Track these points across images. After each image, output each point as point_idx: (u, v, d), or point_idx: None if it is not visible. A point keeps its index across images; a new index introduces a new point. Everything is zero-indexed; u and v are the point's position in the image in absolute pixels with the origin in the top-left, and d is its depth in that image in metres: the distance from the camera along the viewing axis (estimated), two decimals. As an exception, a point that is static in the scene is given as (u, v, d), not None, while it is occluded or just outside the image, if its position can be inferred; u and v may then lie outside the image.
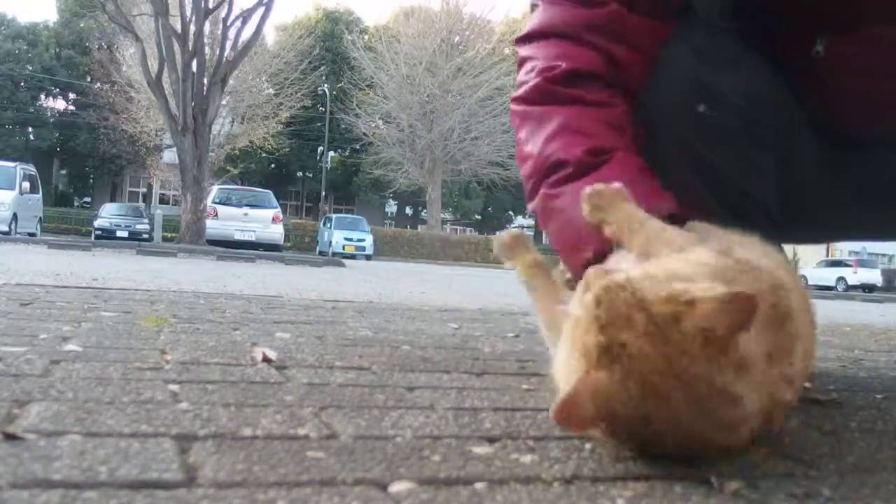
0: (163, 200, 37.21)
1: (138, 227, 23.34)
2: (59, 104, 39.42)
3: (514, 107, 1.17)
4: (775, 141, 1.14)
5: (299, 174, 40.31)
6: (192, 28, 15.56)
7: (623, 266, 0.78)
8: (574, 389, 0.67)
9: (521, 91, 1.16)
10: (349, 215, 31.30)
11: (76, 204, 39.40)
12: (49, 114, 38.60)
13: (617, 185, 0.90)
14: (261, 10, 16.14)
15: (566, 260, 1.06)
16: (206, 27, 17.18)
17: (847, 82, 1.15)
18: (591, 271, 0.73)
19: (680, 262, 0.74)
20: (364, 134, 31.41)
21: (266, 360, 1.19)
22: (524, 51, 1.18)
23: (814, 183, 1.22)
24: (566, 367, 0.76)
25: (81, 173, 40.29)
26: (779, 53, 1.16)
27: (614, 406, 0.66)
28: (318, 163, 39.41)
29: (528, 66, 1.16)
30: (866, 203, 1.25)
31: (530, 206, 1.13)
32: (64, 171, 39.80)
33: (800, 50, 1.15)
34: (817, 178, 1.22)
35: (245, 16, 16.57)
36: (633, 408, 0.66)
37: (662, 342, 0.64)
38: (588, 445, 0.77)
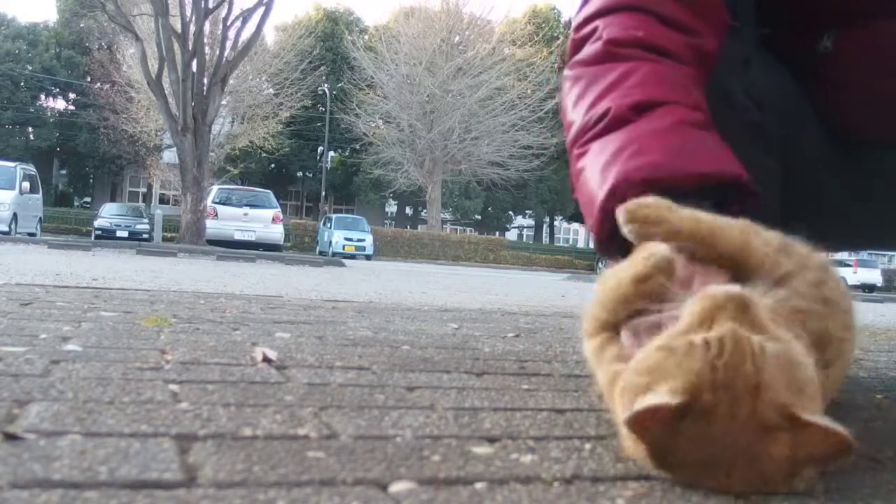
0: (163, 200, 37.20)
1: (138, 227, 23.33)
2: (59, 104, 39.44)
3: (566, 72, 1.06)
4: (782, 142, 1.14)
5: (299, 174, 40.31)
6: (192, 28, 15.57)
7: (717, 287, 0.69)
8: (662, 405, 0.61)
9: (579, 56, 1.05)
10: (349, 215, 31.31)
11: (76, 204, 39.39)
12: (49, 114, 38.60)
13: (652, 200, 0.80)
14: (261, 10, 16.17)
15: (590, 228, 0.95)
16: (206, 27, 17.19)
17: (855, 79, 1.14)
18: (730, 297, 0.65)
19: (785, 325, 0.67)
20: (364, 134, 31.40)
21: (266, 360, 1.19)
22: (588, 27, 1.06)
23: (821, 186, 1.21)
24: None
25: (81, 173, 40.28)
26: (786, 50, 1.16)
27: (679, 442, 0.63)
28: (318, 163, 39.41)
29: (593, 36, 1.04)
30: (874, 208, 1.25)
31: (573, 194, 1.01)
32: (64, 171, 39.80)
33: (807, 46, 1.15)
34: (824, 180, 1.21)
35: (245, 16, 16.60)
36: (692, 454, 0.63)
37: (747, 440, 0.61)
38: (588, 445, 0.77)
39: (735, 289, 0.67)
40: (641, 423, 0.62)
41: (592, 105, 0.96)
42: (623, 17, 1.02)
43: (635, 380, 0.65)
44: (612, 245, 0.88)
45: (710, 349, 0.62)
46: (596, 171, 0.90)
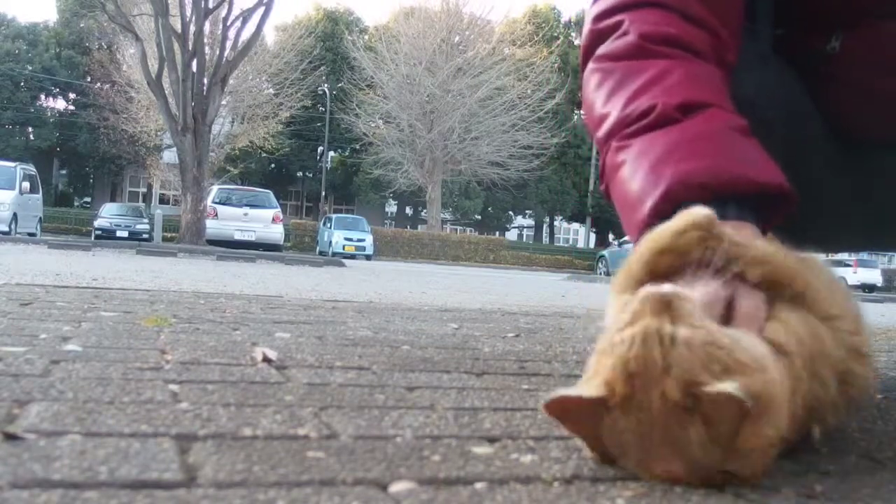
0: (163, 200, 37.21)
1: (138, 227, 23.34)
2: (59, 104, 39.47)
3: (594, 65, 1.03)
4: (788, 142, 1.13)
5: (299, 174, 40.32)
6: (192, 28, 15.56)
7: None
8: (583, 397, 0.66)
9: (606, 49, 1.01)
10: (349, 215, 31.30)
11: (76, 204, 39.41)
12: (49, 114, 38.61)
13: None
14: (261, 10, 16.16)
15: (624, 222, 0.93)
16: (206, 27, 17.19)
17: (862, 80, 1.14)
18: (654, 296, 0.67)
19: (789, 338, 0.71)
20: (364, 134, 31.41)
21: (266, 360, 1.19)
22: (611, 19, 1.03)
23: (827, 187, 1.21)
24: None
25: (81, 173, 40.29)
26: (793, 50, 1.16)
27: (613, 434, 0.67)
28: (318, 163, 39.42)
29: (619, 30, 1.01)
30: (877, 208, 1.25)
31: (602, 184, 1.00)
32: (64, 171, 39.81)
33: (814, 46, 1.15)
34: (828, 180, 1.21)
35: (245, 16, 16.59)
36: (620, 446, 0.66)
37: (665, 421, 0.64)
38: (588, 445, 0.77)
39: (664, 288, 0.69)
40: (552, 412, 0.67)
41: (632, 99, 0.94)
42: (648, 13, 1.00)
43: (586, 383, 0.69)
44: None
45: (624, 344, 0.66)
46: (643, 168, 0.88)
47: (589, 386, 0.67)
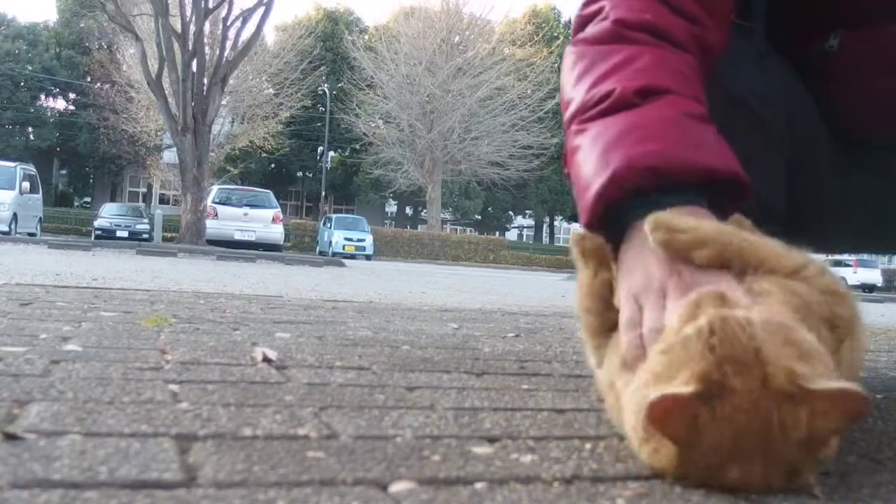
0: (163, 200, 37.22)
1: (138, 227, 23.34)
2: (59, 104, 39.46)
3: (570, 48, 1.04)
4: (788, 143, 1.13)
5: (299, 174, 40.32)
6: (192, 28, 15.57)
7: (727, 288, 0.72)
8: (680, 395, 0.62)
9: (585, 33, 1.03)
10: (349, 215, 31.31)
11: (76, 204, 39.41)
12: (49, 114, 38.61)
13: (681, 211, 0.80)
14: (261, 10, 16.17)
15: (578, 207, 0.93)
16: (206, 27, 17.20)
17: (860, 79, 1.14)
18: (706, 293, 0.68)
19: (783, 305, 0.70)
20: (364, 134, 31.42)
21: (266, 360, 1.19)
22: (594, 6, 1.04)
23: (826, 187, 1.21)
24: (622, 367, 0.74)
25: (81, 173, 40.29)
26: (791, 49, 1.16)
27: (698, 436, 0.63)
28: (318, 163, 39.42)
29: (600, 16, 1.02)
30: (877, 209, 1.24)
31: (565, 169, 0.99)
32: (64, 171, 39.81)
33: (813, 46, 1.15)
34: (830, 182, 1.21)
35: (245, 16, 16.60)
36: (712, 448, 0.63)
37: (768, 409, 0.62)
38: (588, 445, 0.77)
39: (710, 288, 0.69)
40: (660, 413, 0.62)
41: (595, 84, 0.94)
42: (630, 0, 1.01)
43: (645, 392, 0.65)
44: (601, 230, 0.87)
45: (702, 333, 0.64)
46: (595, 152, 0.88)
47: (674, 385, 0.63)
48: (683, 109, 0.89)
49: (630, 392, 0.71)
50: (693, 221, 0.78)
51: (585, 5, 1.06)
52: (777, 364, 0.62)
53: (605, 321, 0.86)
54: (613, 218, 0.85)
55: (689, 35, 0.98)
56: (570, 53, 1.03)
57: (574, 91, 0.98)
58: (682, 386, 0.62)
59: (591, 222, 0.87)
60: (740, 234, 0.79)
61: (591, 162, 0.88)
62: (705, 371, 0.62)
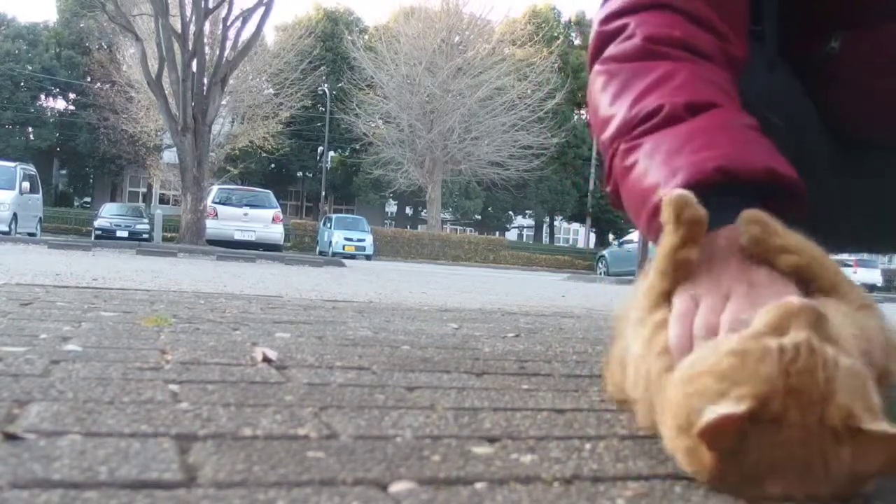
0: (163, 200, 37.23)
1: (138, 227, 23.35)
2: (59, 104, 39.48)
3: (599, 67, 1.03)
4: (789, 144, 1.13)
5: (299, 174, 40.33)
6: (192, 28, 15.56)
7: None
8: (734, 415, 0.60)
9: (612, 51, 1.02)
10: (349, 215, 31.32)
11: (76, 204, 39.42)
12: (49, 114, 38.62)
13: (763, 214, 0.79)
14: (261, 10, 16.16)
15: (636, 221, 0.93)
16: (206, 27, 17.19)
17: (862, 81, 1.14)
18: (806, 306, 0.65)
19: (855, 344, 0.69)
20: (364, 134, 31.42)
21: (266, 360, 1.19)
22: (618, 22, 1.03)
23: (824, 188, 1.21)
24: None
25: (81, 173, 40.30)
26: (793, 51, 1.16)
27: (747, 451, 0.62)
28: (318, 163, 39.42)
29: (624, 33, 1.01)
30: (878, 210, 1.25)
31: (609, 186, 0.98)
32: (64, 171, 39.81)
33: (815, 47, 1.15)
34: (830, 182, 1.21)
35: (245, 16, 16.59)
36: (753, 463, 0.62)
37: (817, 444, 0.61)
38: (588, 445, 0.77)
39: (812, 301, 0.67)
40: (714, 433, 0.61)
41: (637, 100, 0.94)
42: (655, 16, 1.01)
43: (707, 384, 0.64)
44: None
45: (784, 354, 0.61)
46: (656, 162, 0.88)
47: (733, 396, 0.62)
48: (735, 119, 0.90)
49: (676, 382, 0.68)
50: (783, 227, 0.79)
51: (605, 22, 1.05)
52: (839, 409, 0.60)
53: (669, 293, 0.83)
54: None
55: (718, 49, 0.99)
56: (600, 73, 1.02)
57: (613, 108, 0.97)
58: (739, 402, 0.61)
59: (648, 236, 0.88)
60: (822, 251, 0.79)
61: (654, 172, 0.88)
62: (768, 396, 0.61)
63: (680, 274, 0.81)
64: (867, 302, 0.77)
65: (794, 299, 0.66)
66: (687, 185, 0.83)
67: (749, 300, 0.74)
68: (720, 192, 0.82)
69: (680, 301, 0.79)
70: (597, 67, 1.04)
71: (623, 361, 0.87)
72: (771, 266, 0.78)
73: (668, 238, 0.80)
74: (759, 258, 0.79)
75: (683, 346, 0.75)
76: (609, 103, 0.98)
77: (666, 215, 0.80)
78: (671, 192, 0.80)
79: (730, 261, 0.79)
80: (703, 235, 0.80)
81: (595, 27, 1.08)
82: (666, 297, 0.81)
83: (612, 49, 1.02)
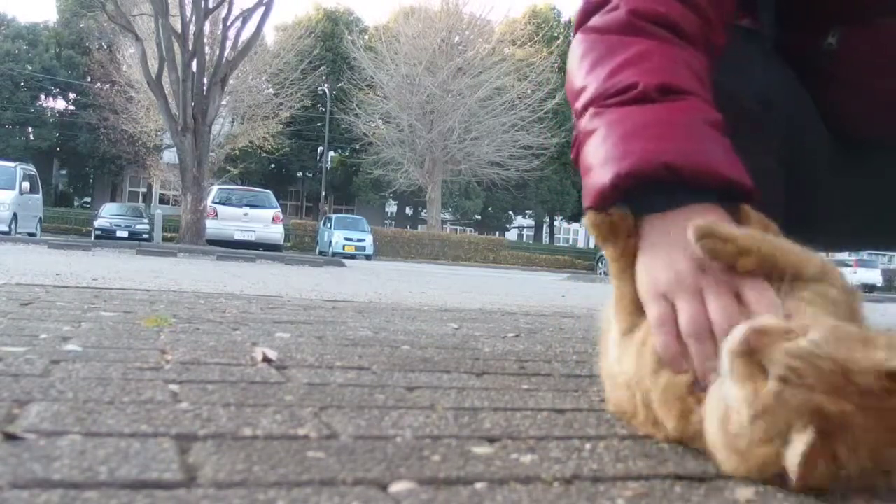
0: (163, 200, 37.23)
1: (138, 227, 23.35)
2: (59, 104, 39.47)
3: (580, 36, 1.03)
4: (786, 143, 1.13)
5: (299, 174, 40.33)
6: (192, 28, 15.57)
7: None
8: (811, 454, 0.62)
9: (595, 22, 1.02)
10: (349, 215, 31.31)
11: (76, 204, 39.42)
12: (49, 114, 38.61)
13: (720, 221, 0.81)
14: (261, 10, 16.17)
15: (585, 187, 0.93)
16: (206, 27, 17.19)
17: (859, 77, 1.14)
18: (764, 325, 0.67)
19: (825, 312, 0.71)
20: (364, 134, 31.42)
21: (266, 360, 1.19)
22: None
23: (824, 188, 1.21)
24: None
25: (81, 173, 40.30)
26: (790, 48, 1.16)
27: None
28: (318, 163, 39.42)
29: (609, 5, 1.02)
30: (876, 208, 1.25)
31: (573, 153, 0.98)
32: (64, 171, 39.81)
33: (812, 44, 1.15)
34: (827, 182, 1.21)
35: (245, 16, 16.60)
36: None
37: (878, 414, 0.63)
38: (588, 445, 0.77)
39: (763, 322, 0.69)
40: (806, 472, 0.62)
41: (612, 74, 0.94)
42: None
43: (757, 428, 0.65)
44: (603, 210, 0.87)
45: (789, 380, 0.63)
46: (613, 138, 0.88)
47: (794, 435, 0.64)
48: (703, 115, 0.90)
49: (721, 412, 0.69)
50: (731, 229, 0.79)
51: (592, 9, 1.05)
52: (862, 368, 0.62)
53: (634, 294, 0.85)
54: (621, 204, 0.85)
55: (699, 31, 0.98)
56: (580, 41, 1.02)
57: (588, 78, 0.97)
58: (803, 436, 0.62)
59: (599, 204, 0.87)
60: (771, 240, 0.80)
61: (608, 147, 0.88)
62: (818, 410, 0.62)
63: (630, 273, 0.84)
64: (819, 269, 0.78)
65: (761, 325, 0.67)
66: (630, 174, 0.84)
67: (727, 292, 0.75)
68: (667, 184, 0.83)
69: (654, 307, 0.79)
70: (578, 36, 1.04)
71: (614, 378, 0.88)
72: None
73: (612, 248, 0.85)
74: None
75: (673, 352, 0.75)
76: (585, 74, 0.98)
77: (597, 233, 0.85)
78: (590, 216, 0.86)
79: (687, 255, 0.79)
80: (634, 229, 0.84)
81: None
82: (636, 302, 0.83)
83: (595, 20, 1.02)
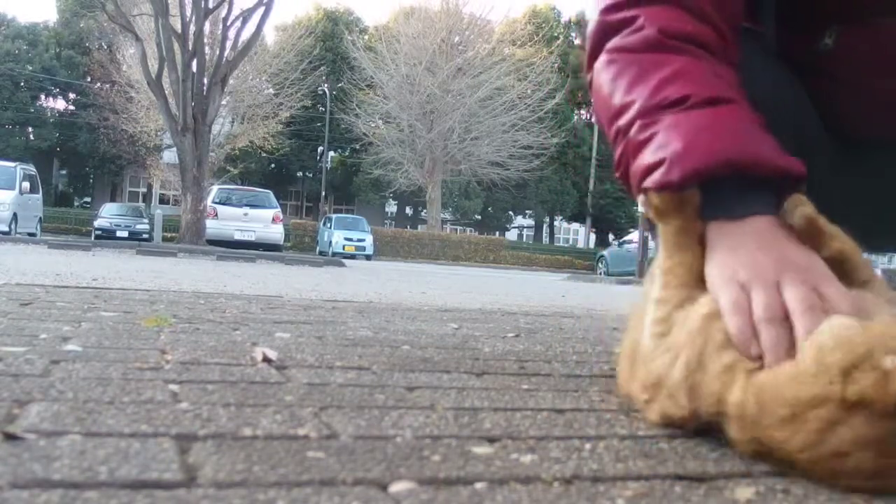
0: (163, 200, 37.24)
1: (138, 227, 23.36)
2: (59, 104, 39.48)
3: (608, 57, 1.03)
4: (788, 143, 1.13)
5: (299, 174, 40.33)
6: (192, 28, 15.56)
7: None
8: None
9: (621, 41, 1.02)
10: (349, 215, 31.32)
11: (76, 204, 39.42)
12: (49, 114, 38.62)
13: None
14: (261, 10, 16.16)
15: (635, 184, 0.96)
16: (206, 27, 17.19)
17: (857, 77, 1.14)
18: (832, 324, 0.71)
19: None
20: (364, 134, 31.43)
21: (266, 360, 1.19)
22: (622, 13, 1.03)
23: (823, 188, 1.21)
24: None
25: (81, 173, 40.30)
26: (787, 47, 1.16)
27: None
28: (318, 163, 39.43)
29: (633, 25, 1.01)
30: (875, 208, 1.25)
31: (618, 172, 1.00)
32: (64, 171, 39.81)
33: (808, 43, 1.15)
34: (827, 182, 1.21)
35: (245, 16, 16.59)
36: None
37: None
38: (588, 445, 0.77)
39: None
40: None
41: (659, 88, 0.95)
42: (663, 10, 1.01)
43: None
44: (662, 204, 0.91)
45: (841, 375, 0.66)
46: (674, 135, 0.90)
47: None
48: (752, 117, 0.94)
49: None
50: (825, 220, 0.86)
51: (608, 12, 1.05)
52: None
53: (698, 271, 0.87)
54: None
55: (720, 46, 1.01)
56: (610, 62, 1.02)
57: (631, 95, 0.97)
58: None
59: (665, 189, 0.90)
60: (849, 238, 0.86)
61: (671, 144, 0.90)
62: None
63: (689, 248, 0.88)
64: (868, 276, 0.85)
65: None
66: (695, 171, 0.87)
67: (807, 285, 0.79)
68: (728, 182, 0.88)
69: (727, 291, 0.82)
70: (605, 57, 1.03)
71: (634, 355, 0.90)
72: (814, 252, 0.85)
73: (674, 221, 0.89)
74: (804, 240, 0.85)
75: (747, 336, 0.78)
76: (625, 91, 0.98)
77: (662, 208, 0.89)
78: (653, 195, 0.90)
79: (770, 246, 0.84)
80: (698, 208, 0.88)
81: (596, 16, 1.07)
82: (693, 276, 0.87)
83: (620, 40, 1.02)
